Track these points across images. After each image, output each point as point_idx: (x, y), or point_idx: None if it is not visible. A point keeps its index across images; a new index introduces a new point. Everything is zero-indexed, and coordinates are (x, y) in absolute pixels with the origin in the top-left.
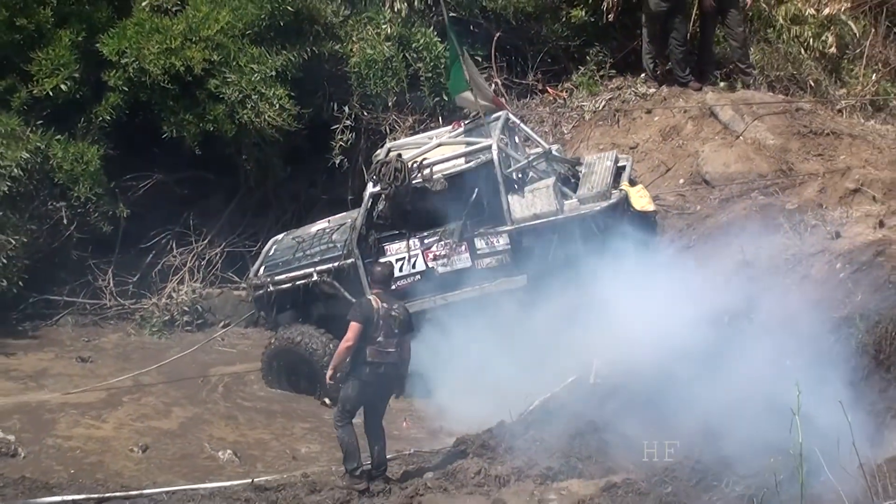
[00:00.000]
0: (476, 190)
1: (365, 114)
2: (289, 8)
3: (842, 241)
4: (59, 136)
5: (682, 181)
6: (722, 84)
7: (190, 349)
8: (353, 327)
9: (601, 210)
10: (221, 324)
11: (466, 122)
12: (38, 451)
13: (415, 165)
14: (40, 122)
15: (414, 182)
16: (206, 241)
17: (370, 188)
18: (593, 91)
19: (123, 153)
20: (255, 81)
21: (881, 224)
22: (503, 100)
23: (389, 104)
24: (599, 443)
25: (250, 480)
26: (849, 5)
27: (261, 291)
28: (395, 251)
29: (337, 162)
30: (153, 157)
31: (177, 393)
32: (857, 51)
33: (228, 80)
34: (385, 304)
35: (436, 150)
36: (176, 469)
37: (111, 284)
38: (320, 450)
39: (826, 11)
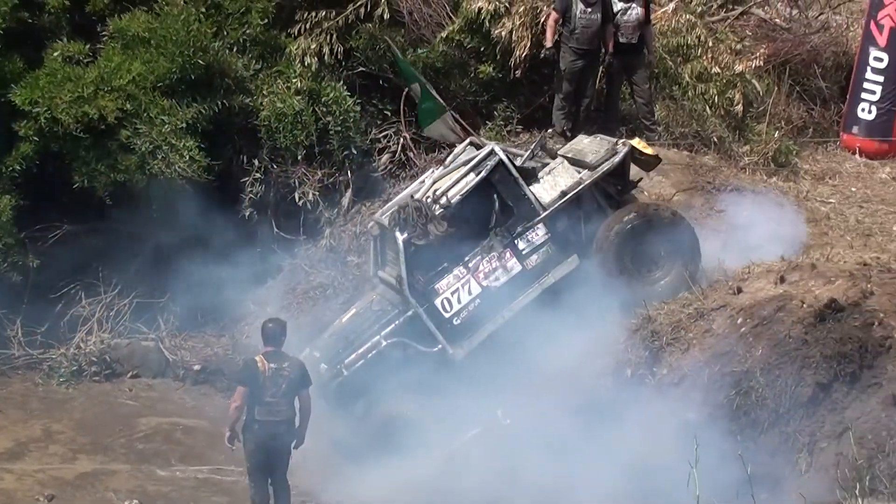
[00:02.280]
0: (496, 195)
1: (274, 167)
2: (199, 61)
3: (743, 297)
4: None
5: None
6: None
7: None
8: (238, 390)
9: (620, 160)
10: (129, 374)
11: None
12: None
13: (428, 199)
14: None
15: (437, 213)
16: (115, 292)
17: (399, 237)
18: None
19: (33, 203)
20: (165, 133)
21: (782, 279)
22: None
23: (299, 157)
24: (510, 489)
25: None
26: (756, 63)
27: (339, 380)
28: (447, 286)
29: (246, 214)
30: (63, 208)
31: (84, 440)
32: (761, 109)
33: (140, 130)
34: (273, 364)
35: (441, 181)
36: None
37: (19, 334)
38: (225, 501)
39: (738, 69)
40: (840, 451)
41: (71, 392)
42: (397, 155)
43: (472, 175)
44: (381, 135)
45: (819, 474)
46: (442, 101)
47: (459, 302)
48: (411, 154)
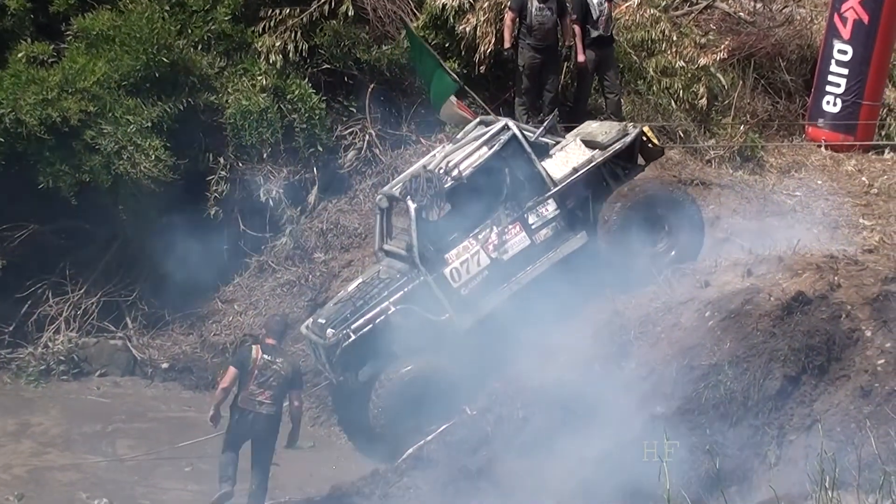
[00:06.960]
0: (507, 169)
1: (240, 164)
2: (164, 59)
3: (711, 290)
4: None
5: None
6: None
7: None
8: (229, 371)
9: (631, 141)
10: (97, 373)
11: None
12: None
13: (440, 170)
14: None
15: (446, 185)
16: (82, 291)
17: (411, 206)
18: None
19: None
20: (130, 132)
21: (749, 273)
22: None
23: (264, 155)
24: (473, 489)
25: None
26: (721, 57)
27: (346, 343)
28: (457, 256)
29: (212, 213)
30: (29, 207)
31: (54, 436)
32: (726, 102)
33: (104, 130)
34: (267, 356)
35: (453, 154)
36: None
37: None
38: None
39: (702, 62)
40: (809, 444)
41: (40, 391)
42: (363, 152)
43: (484, 149)
44: (346, 132)
45: (788, 467)
46: (455, 76)
47: (468, 272)
48: (377, 151)
